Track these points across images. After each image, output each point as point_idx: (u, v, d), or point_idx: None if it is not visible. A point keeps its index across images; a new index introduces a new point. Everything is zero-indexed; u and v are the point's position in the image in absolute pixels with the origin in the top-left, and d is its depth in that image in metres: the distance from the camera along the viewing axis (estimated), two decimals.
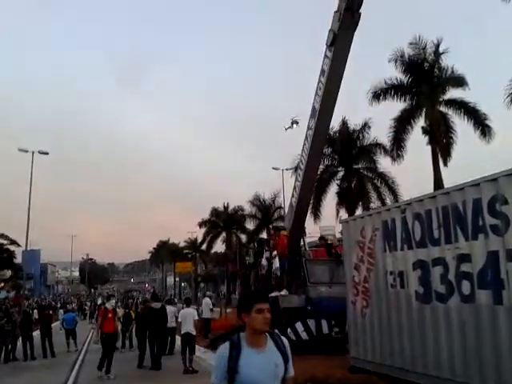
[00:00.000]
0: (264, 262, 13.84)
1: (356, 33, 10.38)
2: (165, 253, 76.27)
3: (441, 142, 21.27)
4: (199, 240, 63.09)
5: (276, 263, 12.84)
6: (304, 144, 12.88)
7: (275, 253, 12.84)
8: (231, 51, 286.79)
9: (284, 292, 12.19)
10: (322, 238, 14.61)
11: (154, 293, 17.69)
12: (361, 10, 10.08)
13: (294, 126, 25.95)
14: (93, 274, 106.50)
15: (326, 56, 11.21)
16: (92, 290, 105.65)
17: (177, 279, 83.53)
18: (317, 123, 11.88)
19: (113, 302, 11.88)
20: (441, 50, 21.64)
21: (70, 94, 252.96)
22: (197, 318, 11.21)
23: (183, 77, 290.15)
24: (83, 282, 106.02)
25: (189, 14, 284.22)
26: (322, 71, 11.45)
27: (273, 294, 12.42)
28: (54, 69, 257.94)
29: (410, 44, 21.68)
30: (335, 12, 10.46)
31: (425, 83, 21.64)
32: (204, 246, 56.80)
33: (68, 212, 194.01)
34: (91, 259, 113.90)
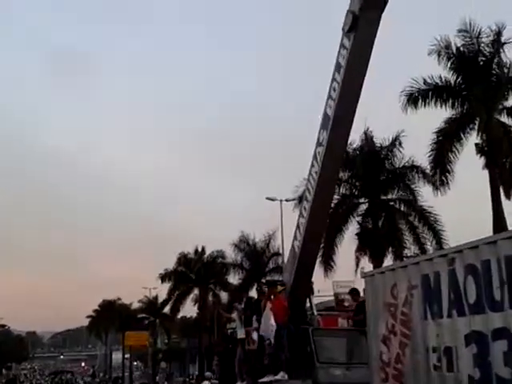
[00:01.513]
0: (254, 332, 13.72)
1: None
2: (110, 318, 75.16)
3: (503, 166, 21.54)
4: (161, 299, 62.63)
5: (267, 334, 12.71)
6: (312, 165, 12.96)
7: (272, 319, 12.73)
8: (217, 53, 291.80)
9: (281, 375, 12.06)
10: (354, 290, 14.31)
11: (116, 377, 17.31)
12: None
13: None
14: (6, 347, 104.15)
15: (342, 46, 11.41)
16: (3, 371, 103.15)
17: (127, 356, 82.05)
18: (330, 137, 12.01)
19: None
20: (502, 39, 22.08)
21: None
22: None
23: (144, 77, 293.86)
24: None
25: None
26: (338, 66, 11.64)
27: (265, 380, 12.28)
28: None
29: (459, 32, 22.19)
30: None
31: (479, 84, 22.03)
32: (167, 309, 56.27)
33: None
34: (3, 326, 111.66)
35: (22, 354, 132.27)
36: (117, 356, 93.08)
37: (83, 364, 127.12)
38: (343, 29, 11.24)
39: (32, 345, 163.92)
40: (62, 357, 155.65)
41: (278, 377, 12.03)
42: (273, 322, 12.48)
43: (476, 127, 22.11)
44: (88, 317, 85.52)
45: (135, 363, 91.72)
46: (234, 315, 14.86)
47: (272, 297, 13.23)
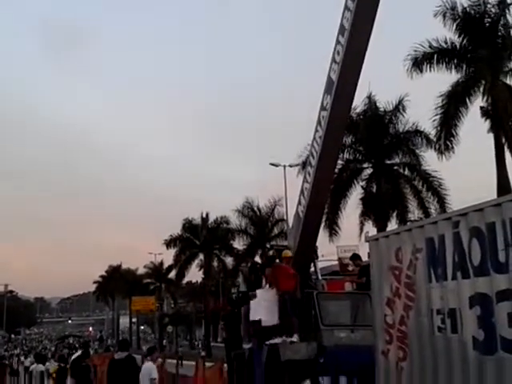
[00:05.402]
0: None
1: None
2: (117, 283, 75.99)
3: (508, 128, 21.46)
4: (166, 265, 63.21)
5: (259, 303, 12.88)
6: (316, 130, 12.91)
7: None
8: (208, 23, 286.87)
9: (296, 338, 12.20)
10: (355, 256, 14.47)
11: (122, 340, 17.92)
12: None
13: None
14: (14, 312, 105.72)
15: (346, 8, 11.27)
16: (12, 336, 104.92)
17: (134, 320, 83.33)
18: (334, 101, 11.93)
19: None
20: (508, 0, 21.83)
21: None
22: (155, 376, 11.29)
23: (142, 51, 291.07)
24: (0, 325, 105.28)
25: None
26: (342, 29, 11.51)
27: (272, 341, 12.43)
28: None
29: None
30: None
31: (485, 46, 21.82)
32: (173, 274, 56.92)
33: None
34: (11, 292, 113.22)
35: (31, 319, 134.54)
36: (124, 320, 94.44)
37: (91, 328, 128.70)
38: None
39: (40, 310, 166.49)
40: (69, 321, 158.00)
41: (294, 339, 12.17)
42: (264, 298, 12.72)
43: (481, 90, 21.96)
44: (95, 282, 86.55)
45: (142, 327, 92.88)
46: (240, 279, 15.02)
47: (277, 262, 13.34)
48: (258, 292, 13.26)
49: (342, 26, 11.52)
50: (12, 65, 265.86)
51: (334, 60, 11.93)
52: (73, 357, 15.08)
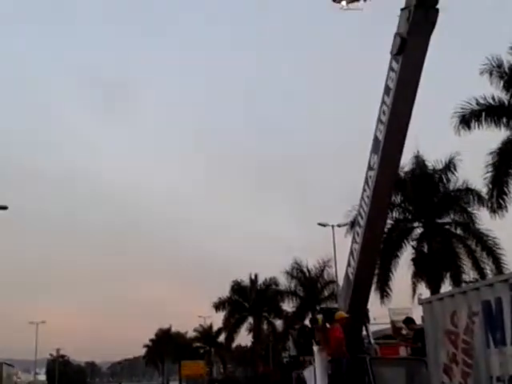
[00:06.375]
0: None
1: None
2: (166, 347, 75.81)
3: None
4: (215, 328, 62.88)
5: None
6: (364, 190, 12.91)
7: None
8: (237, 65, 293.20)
9: None
10: (409, 319, 14.23)
11: None
12: (438, 6, 10.33)
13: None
14: (66, 377, 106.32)
15: (391, 68, 11.45)
16: None
17: None
18: (381, 160, 11.98)
19: None
20: None
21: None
22: None
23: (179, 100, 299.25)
24: None
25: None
26: (387, 89, 11.67)
27: None
28: None
29: (511, 49, 21.88)
30: (402, 10, 10.76)
31: None
32: (222, 337, 56.45)
33: (33, 292, 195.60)
34: (63, 357, 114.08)
35: (82, 383, 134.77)
36: None
37: None
38: (391, 52, 11.25)
39: (91, 375, 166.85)
40: None
41: None
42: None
43: None
44: (144, 346, 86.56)
45: None
46: (290, 342, 14.86)
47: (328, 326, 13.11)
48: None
49: (387, 87, 11.68)
50: None
51: (379, 120, 12.04)
52: None
